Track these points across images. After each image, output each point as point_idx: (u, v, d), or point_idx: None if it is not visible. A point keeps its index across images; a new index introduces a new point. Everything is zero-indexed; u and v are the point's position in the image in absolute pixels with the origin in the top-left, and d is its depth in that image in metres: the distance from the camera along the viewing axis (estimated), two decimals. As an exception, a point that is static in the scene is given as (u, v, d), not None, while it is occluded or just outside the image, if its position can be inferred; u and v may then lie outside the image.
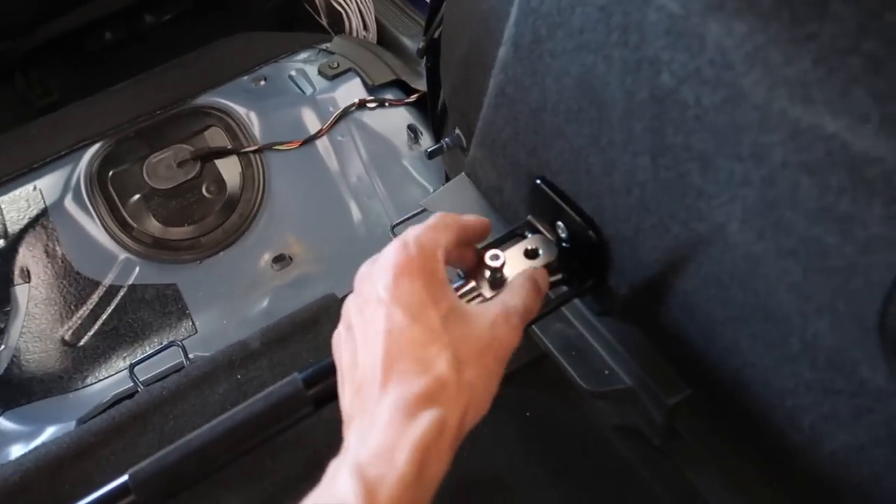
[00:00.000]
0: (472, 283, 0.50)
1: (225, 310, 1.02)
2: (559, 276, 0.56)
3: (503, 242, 0.57)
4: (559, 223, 0.54)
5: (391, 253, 0.41)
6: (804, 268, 0.32)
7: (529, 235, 0.56)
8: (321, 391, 0.48)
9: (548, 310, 0.56)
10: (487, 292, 0.51)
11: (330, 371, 0.48)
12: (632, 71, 0.37)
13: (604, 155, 0.44)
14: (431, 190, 1.08)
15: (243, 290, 1.03)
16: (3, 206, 1.05)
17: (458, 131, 0.79)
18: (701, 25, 0.31)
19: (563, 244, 0.54)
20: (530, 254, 0.54)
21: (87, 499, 0.45)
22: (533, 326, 0.65)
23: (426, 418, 0.35)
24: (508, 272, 0.52)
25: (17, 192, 1.06)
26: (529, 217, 0.58)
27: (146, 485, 0.45)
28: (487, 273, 0.52)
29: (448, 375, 0.37)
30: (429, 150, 0.79)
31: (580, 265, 0.54)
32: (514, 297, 0.44)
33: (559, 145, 0.49)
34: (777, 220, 0.32)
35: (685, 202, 0.38)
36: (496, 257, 0.52)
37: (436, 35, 0.78)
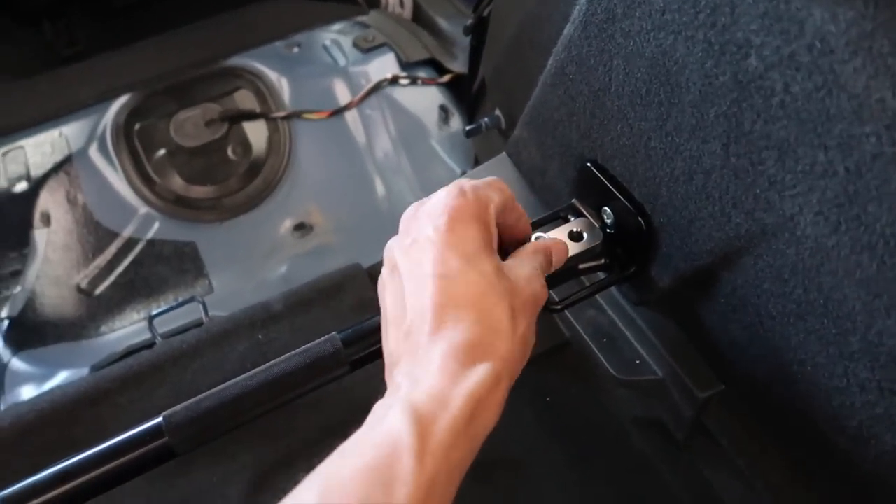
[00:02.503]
0: None
1: (243, 272, 1.01)
2: (599, 262, 0.56)
3: (545, 224, 0.57)
4: (605, 208, 0.54)
5: (446, 196, 0.40)
6: (879, 263, 0.32)
7: (573, 219, 0.56)
8: (358, 352, 0.48)
9: (584, 295, 0.56)
10: None
11: (368, 333, 0.48)
12: (715, 54, 0.36)
13: (668, 140, 0.43)
14: (458, 171, 1.07)
15: (262, 255, 1.03)
16: (27, 149, 1.04)
17: (497, 112, 0.79)
18: (802, 10, 0.31)
19: (608, 230, 0.54)
20: (574, 236, 0.54)
21: (122, 436, 0.45)
22: (565, 311, 0.65)
23: (482, 370, 0.34)
24: None
25: (42, 136, 1.06)
26: (574, 200, 0.57)
27: (179, 429, 0.45)
28: None
29: (506, 326, 0.36)
30: (467, 128, 0.79)
31: (623, 252, 0.54)
32: (534, 261, 0.43)
33: (617, 128, 0.49)
34: (858, 213, 0.31)
35: (754, 191, 0.38)
36: (541, 238, 0.52)
37: (485, 14, 0.77)
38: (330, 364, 0.47)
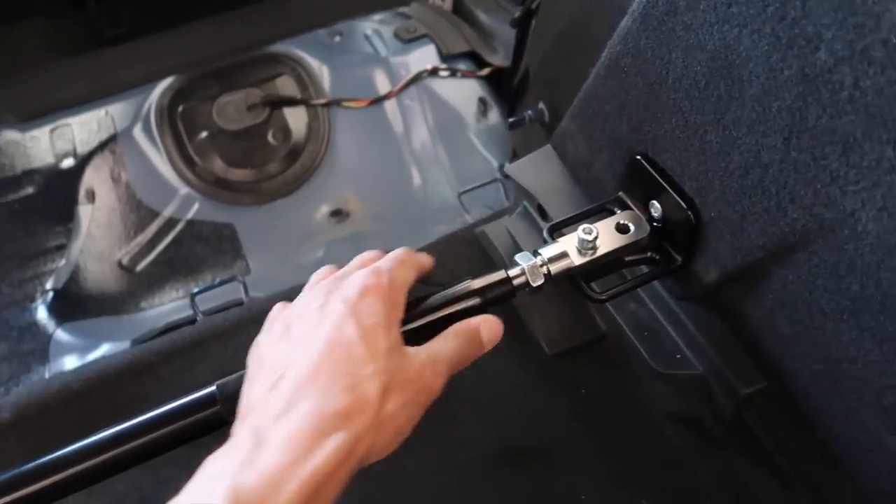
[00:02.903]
0: (535, 260, 0.51)
1: (279, 255, 1.03)
2: (645, 255, 0.56)
3: (590, 216, 0.57)
4: (654, 202, 0.54)
5: (363, 276, 0.42)
6: (944, 260, 0.32)
7: (619, 211, 0.57)
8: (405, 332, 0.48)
9: (627, 287, 0.56)
10: (577, 259, 0.52)
11: (416, 316, 0.49)
12: (782, 47, 0.36)
13: (725, 133, 0.44)
14: (495, 164, 1.08)
15: (299, 239, 1.05)
16: (74, 127, 1.07)
17: (541, 105, 0.79)
18: (878, 4, 0.31)
19: (655, 223, 0.54)
20: (621, 228, 0.54)
21: (175, 403, 0.46)
22: (607, 304, 0.66)
23: (334, 441, 0.34)
24: (601, 245, 0.53)
25: (88, 114, 1.08)
26: (621, 193, 0.58)
27: (232, 398, 0.46)
28: (576, 242, 0.52)
29: (373, 400, 0.36)
30: (510, 120, 0.79)
31: (669, 246, 0.54)
32: (444, 346, 0.43)
33: (671, 121, 0.49)
34: (925, 209, 0.32)
35: (814, 187, 0.38)
36: (590, 231, 0.52)
37: (533, 6, 0.78)
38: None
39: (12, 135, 1.04)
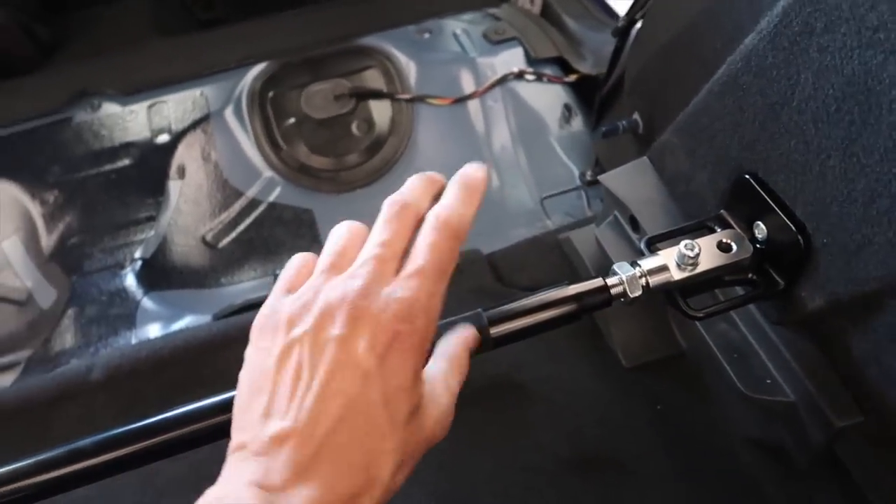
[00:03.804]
0: (634, 271, 0.51)
1: (356, 244, 1.05)
2: (745, 276, 0.55)
3: (689, 232, 0.57)
4: (759, 222, 0.53)
5: (395, 314, 0.34)
6: None
7: (719, 230, 0.56)
8: (499, 333, 0.49)
9: (726, 307, 0.55)
10: (676, 274, 0.52)
11: (510, 317, 0.49)
12: (932, 77, 0.36)
13: (852, 160, 0.43)
14: (576, 171, 1.08)
15: (375, 230, 1.06)
16: (170, 104, 1.11)
17: (636, 116, 0.79)
18: None
19: (758, 244, 0.54)
20: (723, 247, 0.54)
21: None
22: (696, 322, 0.65)
23: None
24: (702, 261, 0.52)
25: (185, 93, 1.12)
26: (722, 211, 0.57)
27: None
28: (676, 257, 0.52)
29: (385, 478, 0.33)
30: (604, 129, 0.79)
31: (772, 268, 0.53)
32: (453, 385, 0.38)
33: (790, 143, 0.48)
34: None
35: (951, 221, 0.37)
36: (692, 247, 0.52)
37: (637, 16, 0.77)
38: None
39: (113, 108, 1.09)
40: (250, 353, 0.37)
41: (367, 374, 0.33)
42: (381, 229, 0.39)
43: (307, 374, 0.34)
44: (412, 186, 0.42)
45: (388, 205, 0.41)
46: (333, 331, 0.34)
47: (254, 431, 0.33)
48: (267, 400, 0.34)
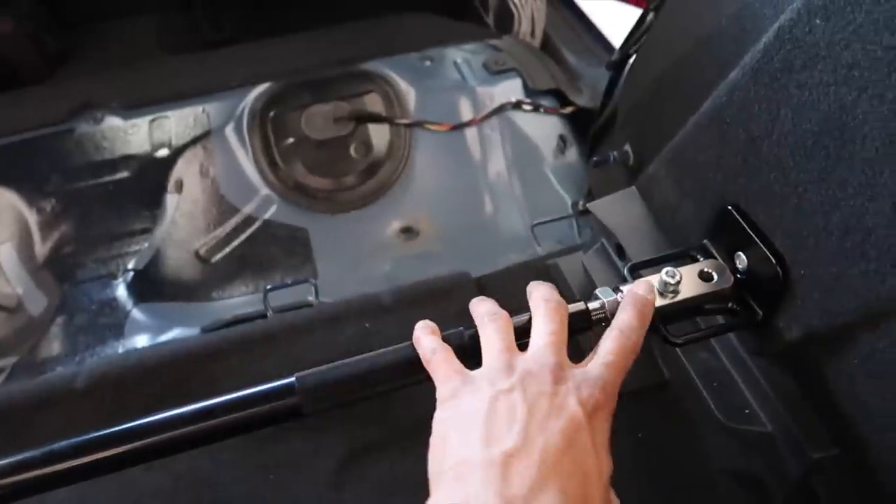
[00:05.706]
0: (616, 296, 0.52)
1: (348, 264, 1.06)
2: (725, 305, 0.56)
3: (672, 260, 0.58)
4: (740, 253, 0.54)
5: (595, 385, 0.41)
6: None
7: (702, 259, 0.57)
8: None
9: (705, 335, 0.56)
10: (658, 301, 0.52)
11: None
12: (902, 114, 0.37)
13: (828, 193, 0.44)
14: (569, 201, 1.09)
15: (368, 251, 1.07)
16: (172, 120, 1.12)
17: (627, 147, 0.80)
18: None
19: (738, 275, 0.54)
20: (705, 276, 0.55)
21: (256, 388, 0.48)
22: (677, 351, 0.66)
23: None
24: (682, 289, 0.53)
25: (187, 109, 1.14)
26: (705, 241, 0.58)
27: (309, 390, 0.48)
28: (658, 284, 0.53)
29: None
30: (595, 159, 0.80)
31: (751, 299, 0.54)
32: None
33: (770, 176, 0.49)
34: None
35: (920, 255, 0.38)
36: (673, 274, 0.53)
37: (630, 51, 0.79)
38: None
39: (115, 121, 1.11)
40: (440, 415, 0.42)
41: (579, 422, 0.38)
42: (545, 320, 0.47)
43: (522, 410, 0.38)
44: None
45: (545, 300, 0.48)
46: (542, 387, 0.40)
47: (477, 452, 0.37)
48: (484, 430, 0.38)
